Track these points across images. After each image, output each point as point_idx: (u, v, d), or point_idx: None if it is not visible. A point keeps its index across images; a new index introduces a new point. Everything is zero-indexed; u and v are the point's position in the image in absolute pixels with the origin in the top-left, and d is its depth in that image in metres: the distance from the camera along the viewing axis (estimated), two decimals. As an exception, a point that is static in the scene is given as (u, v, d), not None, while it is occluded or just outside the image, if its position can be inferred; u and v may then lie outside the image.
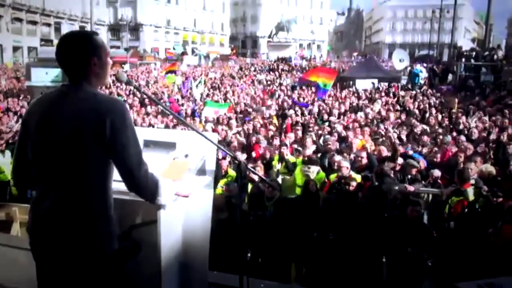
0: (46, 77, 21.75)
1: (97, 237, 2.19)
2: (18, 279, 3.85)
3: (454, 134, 11.21)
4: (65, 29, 58.72)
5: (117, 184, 2.27)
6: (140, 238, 2.49)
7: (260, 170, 7.72)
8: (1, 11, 48.33)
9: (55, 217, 2.16)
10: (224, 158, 7.73)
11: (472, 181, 7.05)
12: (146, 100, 16.82)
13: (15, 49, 51.57)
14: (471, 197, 6.65)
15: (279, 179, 8.10)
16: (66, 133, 2.10)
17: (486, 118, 12.90)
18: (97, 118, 2.08)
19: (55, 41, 53.80)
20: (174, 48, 63.90)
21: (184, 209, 2.61)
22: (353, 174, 7.37)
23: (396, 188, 7.02)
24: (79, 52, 2.20)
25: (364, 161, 8.20)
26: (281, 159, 8.70)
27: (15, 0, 49.66)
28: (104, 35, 63.39)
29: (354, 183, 7.04)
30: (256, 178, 7.26)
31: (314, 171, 7.58)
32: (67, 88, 2.22)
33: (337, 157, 8.24)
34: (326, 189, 7.32)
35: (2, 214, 5.91)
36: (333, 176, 7.43)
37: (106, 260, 2.21)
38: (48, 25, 56.81)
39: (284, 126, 12.65)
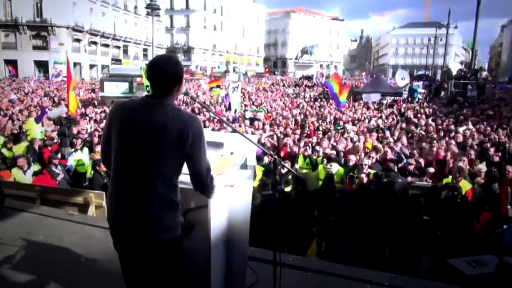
0: (116, 89, 22.27)
1: (168, 225, 2.15)
2: (94, 251, 3.93)
3: (446, 139, 10.93)
4: (132, 51, 60.05)
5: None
6: (194, 220, 2.47)
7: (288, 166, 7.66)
8: (80, 36, 49.42)
9: (133, 208, 2.11)
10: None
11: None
12: (196, 110, 16.83)
13: (91, 66, 52.59)
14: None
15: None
16: (151, 136, 2.07)
17: (472, 127, 12.53)
18: (182, 130, 2.06)
19: (124, 60, 55.32)
20: (218, 67, 64.25)
21: (230, 197, 2.58)
22: (371, 171, 7.26)
23: (400, 180, 6.89)
24: (174, 73, 2.17)
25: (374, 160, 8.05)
26: (305, 157, 8.66)
27: (92, 27, 50.77)
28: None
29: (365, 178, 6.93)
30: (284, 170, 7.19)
31: (335, 168, 7.48)
32: (152, 99, 2.16)
33: (352, 157, 8.15)
34: (348, 185, 7.16)
35: (80, 199, 6.00)
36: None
37: (172, 244, 2.18)
38: (118, 47, 57.90)
39: (307, 130, 12.53)
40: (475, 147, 9.67)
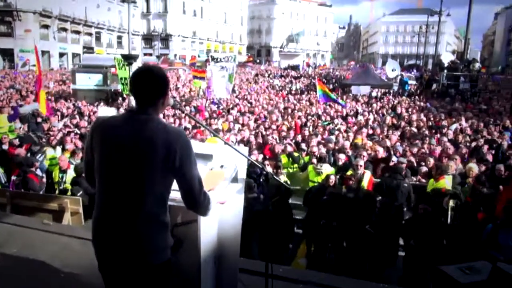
0: (89, 81, 21.89)
1: (156, 250, 2.15)
2: (73, 264, 3.89)
3: (438, 135, 11.20)
4: (105, 38, 59.09)
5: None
6: (182, 235, 2.50)
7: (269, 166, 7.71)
8: (48, 22, 48.39)
9: (119, 232, 2.11)
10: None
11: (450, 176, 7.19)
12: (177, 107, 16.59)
13: (61, 55, 51.60)
14: (447, 186, 6.92)
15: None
16: (136, 156, 2.07)
17: (465, 124, 12.83)
18: (169, 146, 2.06)
19: (96, 48, 54.40)
20: (199, 56, 63.73)
21: (220, 211, 2.62)
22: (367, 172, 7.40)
23: (406, 185, 7.03)
24: (159, 85, 2.17)
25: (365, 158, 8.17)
26: (288, 155, 8.80)
27: (61, 12, 49.71)
28: (138, 44, 63.55)
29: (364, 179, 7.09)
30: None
31: (326, 169, 7.58)
32: (135, 115, 2.16)
33: (341, 155, 8.27)
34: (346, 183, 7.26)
35: (55, 205, 5.96)
36: (349, 173, 7.44)
37: (162, 268, 2.18)
38: (90, 34, 56.88)
39: (293, 126, 12.59)
40: (468, 144, 9.93)
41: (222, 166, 2.68)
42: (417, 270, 5.56)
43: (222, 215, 2.67)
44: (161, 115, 2.31)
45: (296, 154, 8.76)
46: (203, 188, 2.22)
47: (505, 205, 5.54)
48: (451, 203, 6.62)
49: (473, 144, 9.97)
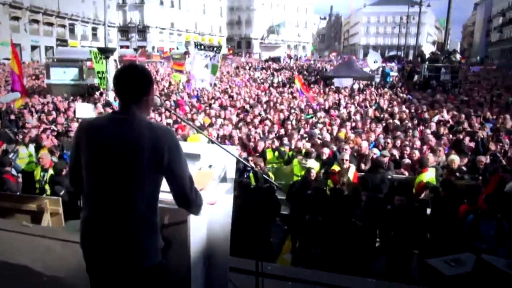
0: (64, 75, 21.51)
1: (146, 254, 2.16)
2: (56, 268, 3.85)
3: (421, 127, 11.41)
4: (79, 30, 57.97)
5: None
6: (171, 236, 2.50)
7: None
8: (19, 13, 47.23)
9: (109, 235, 2.12)
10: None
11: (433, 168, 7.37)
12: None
13: (33, 48, 50.37)
14: (432, 178, 7.07)
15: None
16: (123, 157, 2.07)
17: (447, 116, 13.09)
18: (156, 145, 2.07)
19: (70, 41, 53.29)
20: (177, 48, 63.13)
21: (209, 211, 2.63)
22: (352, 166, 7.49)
23: (389, 177, 7.16)
24: (142, 83, 2.17)
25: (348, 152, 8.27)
26: (273, 150, 8.86)
27: (32, 3, 48.53)
28: (114, 36, 62.54)
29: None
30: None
31: (311, 163, 7.66)
32: (119, 115, 2.18)
33: (325, 150, 8.36)
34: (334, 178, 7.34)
35: (33, 206, 5.87)
36: (336, 167, 7.49)
37: (152, 271, 2.20)
38: (63, 26, 55.72)
39: (276, 121, 12.63)
40: (450, 136, 10.16)
41: (210, 166, 2.69)
42: (398, 262, 5.68)
43: (212, 215, 2.69)
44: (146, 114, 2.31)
45: (282, 149, 8.80)
46: (194, 185, 2.23)
47: (486, 195, 5.71)
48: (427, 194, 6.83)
49: (456, 136, 10.19)
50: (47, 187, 7.06)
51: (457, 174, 7.40)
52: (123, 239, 2.12)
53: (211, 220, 2.70)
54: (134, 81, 2.16)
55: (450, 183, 6.52)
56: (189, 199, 2.21)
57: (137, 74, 2.17)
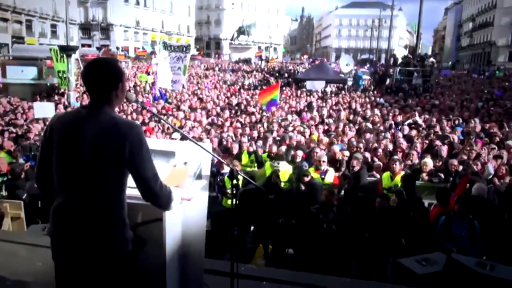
0: (22, 74, 21.00)
1: (114, 241, 2.26)
2: (21, 272, 3.82)
3: (392, 131, 11.77)
4: (37, 27, 56.41)
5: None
6: (146, 234, 2.57)
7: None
8: (-30, 8, 45.81)
9: (77, 224, 2.22)
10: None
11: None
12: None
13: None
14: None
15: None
16: (89, 152, 2.16)
17: (419, 120, 13.54)
18: (119, 140, 2.15)
19: (27, 38, 51.79)
20: (143, 48, 62.46)
21: (184, 208, 2.68)
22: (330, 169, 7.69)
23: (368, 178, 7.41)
24: (110, 77, 2.24)
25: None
26: (250, 153, 8.97)
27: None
28: (75, 34, 61.27)
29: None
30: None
31: (283, 166, 7.78)
32: (86, 110, 2.27)
33: (299, 152, 8.52)
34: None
35: (-8, 210, 5.77)
36: (312, 170, 7.67)
37: (122, 260, 2.29)
38: (19, 22, 54.15)
39: (247, 124, 12.73)
40: (422, 139, 10.53)
41: (185, 163, 2.76)
42: (372, 262, 5.88)
43: (186, 213, 2.75)
44: (116, 109, 2.38)
45: (259, 153, 8.92)
46: (160, 180, 2.29)
47: (457, 197, 6.00)
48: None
49: (427, 140, 10.56)
50: (4, 193, 6.88)
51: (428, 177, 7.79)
52: (90, 227, 2.21)
53: (186, 217, 2.75)
54: (102, 76, 2.23)
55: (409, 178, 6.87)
56: (154, 192, 2.26)
57: (105, 68, 2.25)
